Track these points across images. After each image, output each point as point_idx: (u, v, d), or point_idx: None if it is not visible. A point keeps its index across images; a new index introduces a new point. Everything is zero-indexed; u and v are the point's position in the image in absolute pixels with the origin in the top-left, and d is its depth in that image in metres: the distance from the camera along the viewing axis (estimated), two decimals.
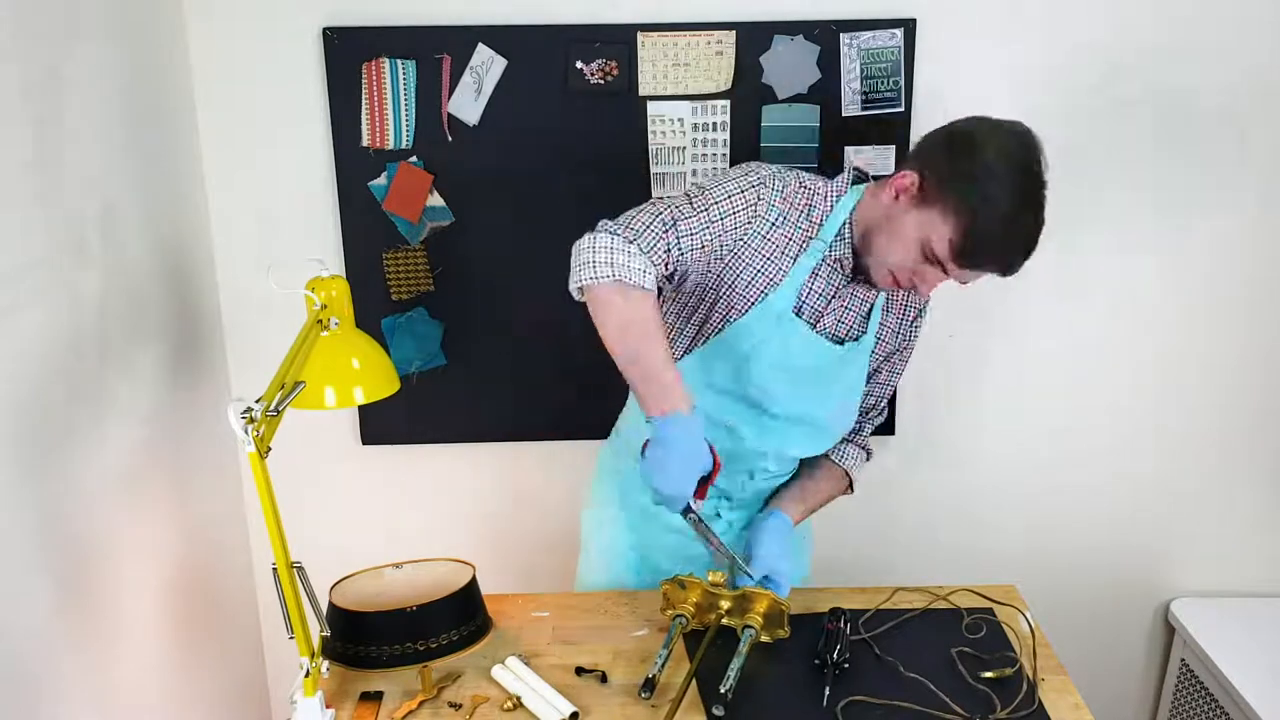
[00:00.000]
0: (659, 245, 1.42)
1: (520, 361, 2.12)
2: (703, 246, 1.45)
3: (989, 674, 1.46)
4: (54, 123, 1.50)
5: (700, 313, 1.54)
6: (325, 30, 1.93)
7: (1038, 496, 2.26)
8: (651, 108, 1.97)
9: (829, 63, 1.95)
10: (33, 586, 1.41)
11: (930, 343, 2.13)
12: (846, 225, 1.50)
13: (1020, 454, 2.23)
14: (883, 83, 1.97)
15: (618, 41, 1.93)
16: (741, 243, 1.48)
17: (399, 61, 1.94)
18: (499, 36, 1.93)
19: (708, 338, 1.53)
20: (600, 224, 1.44)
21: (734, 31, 1.92)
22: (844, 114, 1.98)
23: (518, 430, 2.19)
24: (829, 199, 1.51)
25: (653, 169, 2.00)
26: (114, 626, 1.62)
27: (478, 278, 2.07)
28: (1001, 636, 1.55)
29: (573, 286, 1.43)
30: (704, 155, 2.00)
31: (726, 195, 1.47)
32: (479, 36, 1.93)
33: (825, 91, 1.97)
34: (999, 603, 1.63)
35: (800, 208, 1.50)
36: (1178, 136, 2.02)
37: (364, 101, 1.96)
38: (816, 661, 1.47)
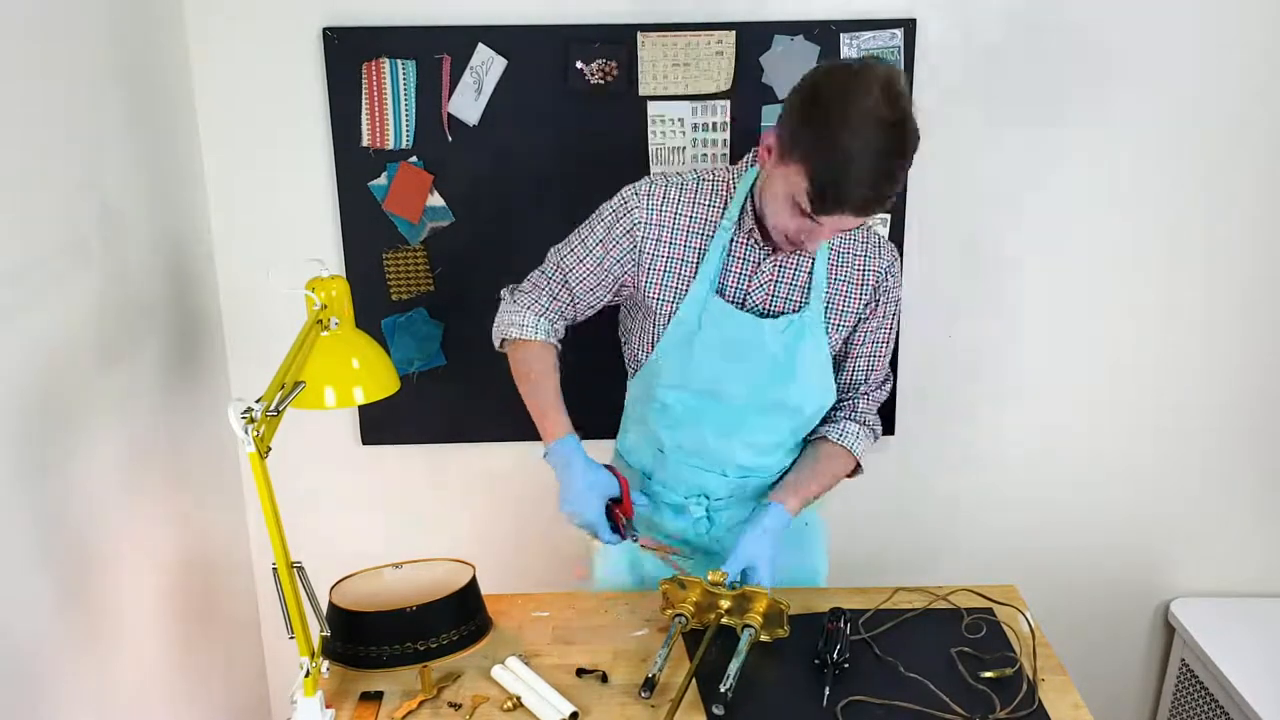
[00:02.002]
0: (547, 299, 1.63)
1: None
2: (597, 284, 1.61)
3: (989, 674, 1.46)
4: (53, 122, 1.50)
5: (650, 321, 1.61)
6: (325, 30, 1.92)
7: (1038, 496, 2.26)
8: (652, 108, 1.97)
9: None
10: (33, 586, 1.41)
11: (930, 343, 2.14)
12: (749, 199, 1.54)
13: (1020, 454, 2.23)
14: None
15: (618, 41, 1.93)
16: (640, 262, 1.57)
17: (399, 61, 1.94)
18: (499, 36, 1.93)
19: (654, 343, 1.60)
20: (503, 290, 1.68)
21: (734, 31, 1.92)
22: None
23: (518, 430, 2.17)
24: (731, 181, 1.57)
25: (653, 169, 2.00)
26: (114, 626, 1.62)
27: (478, 278, 2.07)
28: (1001, 636, 1.55)
29: (496, 345, 1.69)
30: (704, 155, 2.00)
31: (593, 231, 1.60)
32: (479, 36, 1.93)
33: None
34: (999, 603, 1.63)
35: (699, 203, 1.57)
36: (1177, 136, 2.02)
37: (364, 101, 1.96)
38: (816, 661, 1.47)
